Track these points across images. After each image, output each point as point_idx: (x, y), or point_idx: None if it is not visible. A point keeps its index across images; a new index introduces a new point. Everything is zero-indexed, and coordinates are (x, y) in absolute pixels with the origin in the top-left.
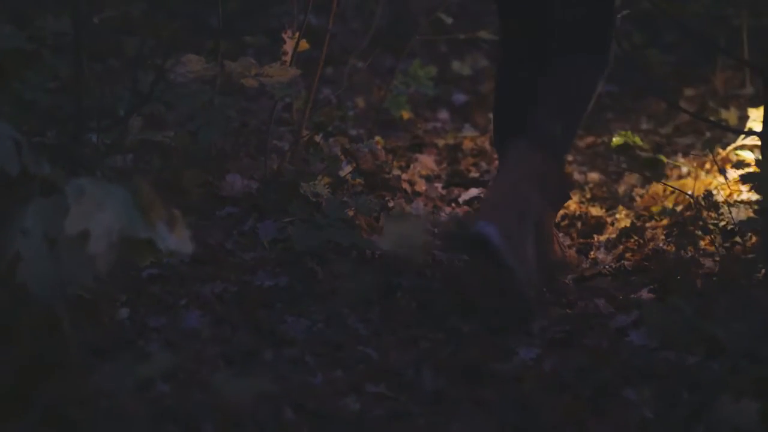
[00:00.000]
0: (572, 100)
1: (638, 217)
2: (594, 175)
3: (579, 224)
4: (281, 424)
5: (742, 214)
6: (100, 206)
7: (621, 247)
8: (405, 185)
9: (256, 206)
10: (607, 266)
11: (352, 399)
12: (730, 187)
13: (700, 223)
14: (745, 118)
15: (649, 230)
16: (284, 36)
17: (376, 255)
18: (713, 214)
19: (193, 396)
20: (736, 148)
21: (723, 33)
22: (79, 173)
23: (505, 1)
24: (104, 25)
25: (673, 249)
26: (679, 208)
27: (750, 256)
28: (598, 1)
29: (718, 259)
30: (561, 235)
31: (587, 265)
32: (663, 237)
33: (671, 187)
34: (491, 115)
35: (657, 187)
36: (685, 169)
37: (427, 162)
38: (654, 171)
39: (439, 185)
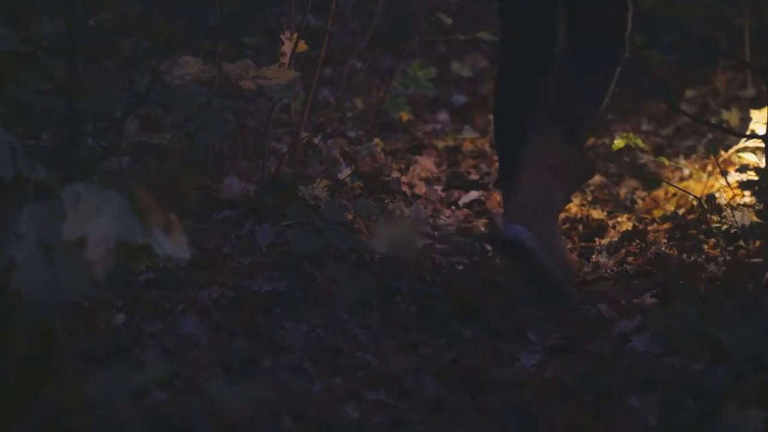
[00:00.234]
0: (590, 84)
1: (640, 220)
2: (595, 178)
3: (580, 227)
4: None
5: (745, 217)
6: (97, 212)
7: (623, 250)
8: (404, 188)
9: (254, 209)
10: (609, 270)
11: (351, 406)
12: (732, 190)
13: (703, 226)
14: (746, 119)
15: (651, 233)
16: (282, 37)
17: (375, 259)
18: (716, 218)
19: (190, 404)
20: (738, 151)
21: (724, 33)
22: (74, 177)
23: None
24: (100, 26)
25: (676, 253)
26: (681, 212)
27: (755, 260)
28: None
29: (721, 262)
30: (563, 238)
31: (589, 269)
32: (665, 241)
33: (677, 188)
34: (491, 117)
35: (658, 190)
36: (686, 172)
37: (426, 164)
38: (652, 179)
39: (438, 188)
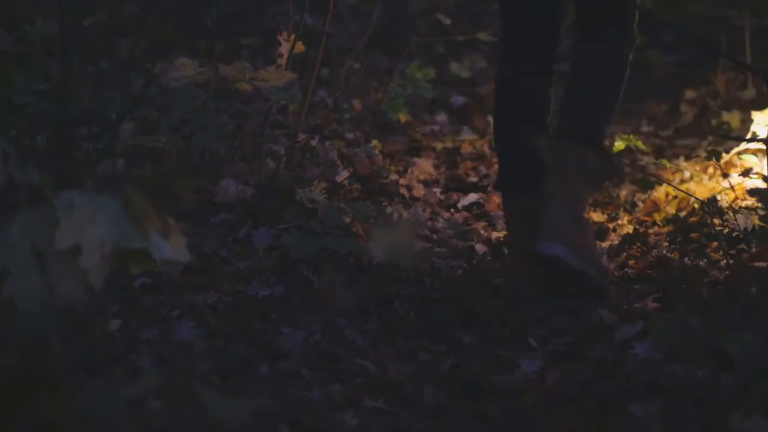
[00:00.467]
0: (605, 82)
1: (640, 223)
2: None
3: None
4: None
5: (748, 220)
6: (91, 219)
7: (624, 254)
8: (403, 190)
9: (251, 212)
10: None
11: (349, 414)
12: (735, 192)
13: (705, 230)
14: (747, 120)
15: (652, 237)
16: (279, 38)
17: (373, 263)
18: (718, 221)
19: (186, 413)
20: (738, 153)
21: (725, 34)
22: (68, 181)
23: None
24: (96, 27)
25: (677, 256)
26: (682, 214)
27: (758, 264)
28: None
29: (724, 266)
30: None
31: None
32: (666, 244)
33: (680, 191)
34: (490, 118)
35: (659, 193)
36: (687, 174)
37: (425, 166)
38: (646, 182)
39: (437, 190)
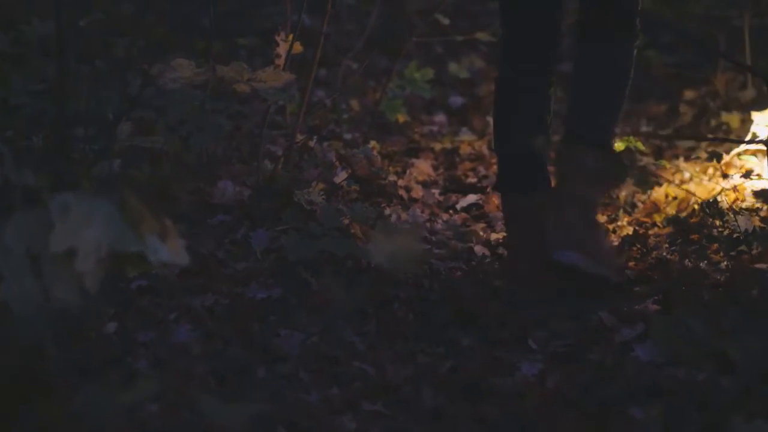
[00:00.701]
0: (610, 79)
1: (640, 224)
2: None
3: None
4: None
5: (748, 222)
6: (87, 222)
7: (623, 255)
8: (401, 192)
9: (249, 214)
10: None
11: (348, 417)
12: (735, 192)
13: (705, 231)
14: (747, 120)
15: (652, 238)
16: (277, 38)
17: (372, 265)
18: (718, 222)
19: (183, 416)
20: (738, 154)
21: (724, 34)
22: (65, 181)
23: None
24: (92, 27)
25: (678, 258)
26: (682, 215)
27: (759, 265)
28: None
29: (724, 268)
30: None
31: None
32: (666, 245)
33: (683, 191)
34: (489, 119)
35: (659, 194)
36: (687, 174)
37: (423, 167)
38: (645, 180)
39: (436, 191)
